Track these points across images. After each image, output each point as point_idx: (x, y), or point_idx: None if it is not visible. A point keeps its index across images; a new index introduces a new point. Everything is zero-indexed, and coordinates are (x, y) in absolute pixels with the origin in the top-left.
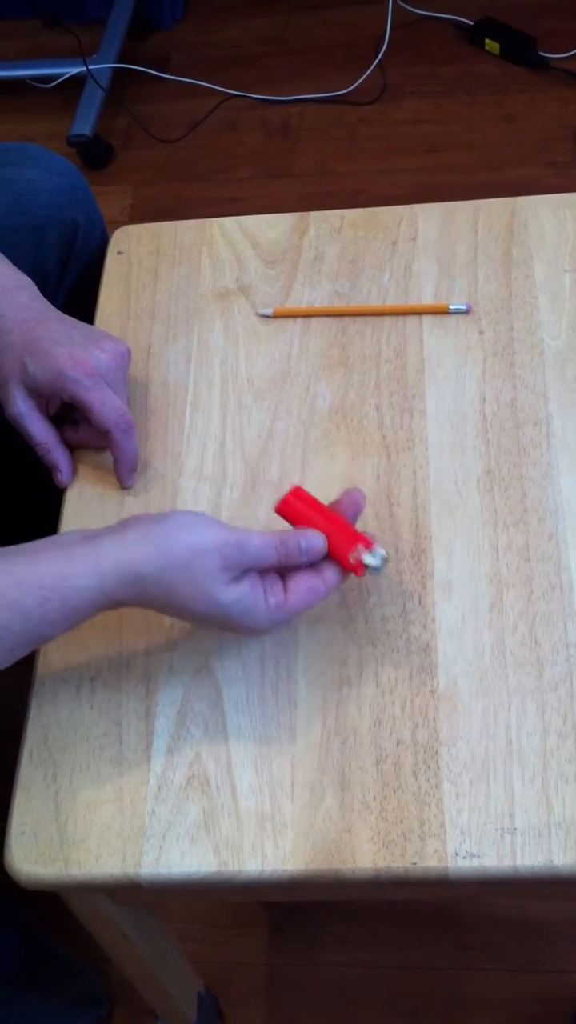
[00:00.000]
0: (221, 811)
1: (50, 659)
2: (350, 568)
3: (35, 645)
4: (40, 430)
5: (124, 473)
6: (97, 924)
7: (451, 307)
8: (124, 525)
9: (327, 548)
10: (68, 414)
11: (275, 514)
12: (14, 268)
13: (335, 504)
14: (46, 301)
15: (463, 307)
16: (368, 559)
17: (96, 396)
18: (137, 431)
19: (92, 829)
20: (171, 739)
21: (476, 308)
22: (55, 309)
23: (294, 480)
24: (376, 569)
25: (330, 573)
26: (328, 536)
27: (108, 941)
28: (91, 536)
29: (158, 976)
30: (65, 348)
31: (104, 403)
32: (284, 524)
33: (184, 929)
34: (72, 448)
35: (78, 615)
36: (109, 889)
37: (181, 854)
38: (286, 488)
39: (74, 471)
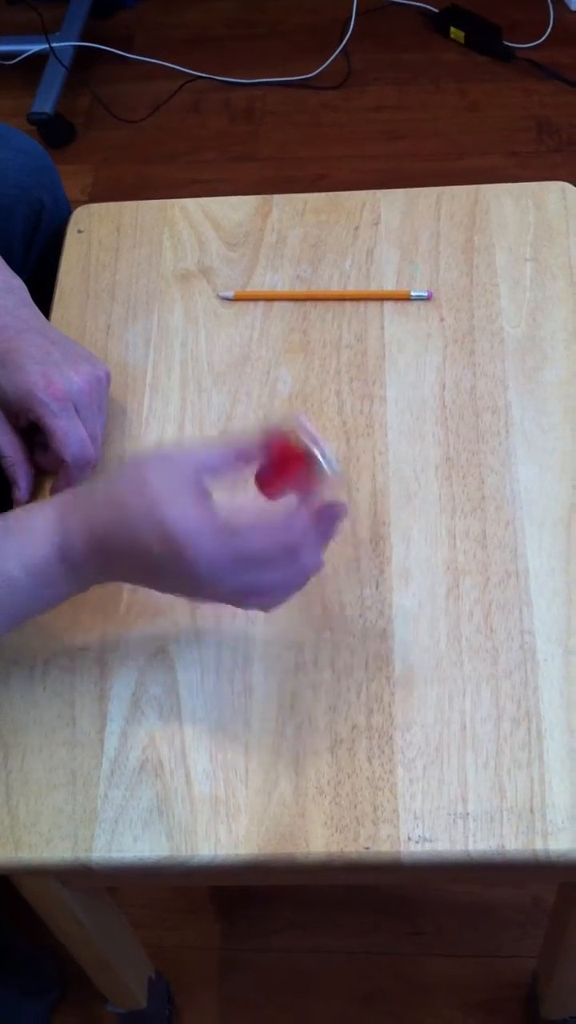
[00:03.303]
0: (175, 795)
1: (3, 640)
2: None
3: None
4: (6, 443)
5: (60, 489)
6: (48, 908)
7: (412, 294)
8: None
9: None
10: (40, 435)
11: (235, 499)
12: (6, 268)
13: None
14: (34, 308)
15: (424, 294)
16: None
17: (61, 424)
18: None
19: (44, 812)
20: (125, 723)
21: (437, 295)
22: (41, 318)
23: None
24: (329, 466)
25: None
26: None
27: (59, 926)
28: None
29: (109, 960)
30: (39, 367)
31: (68, 433)
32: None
33: (136, 913)
34: (40, 471)
35: (41, 569)
36: (60, 873)
37: (134, 838)
38: (244, 473)
39: (35, 489)
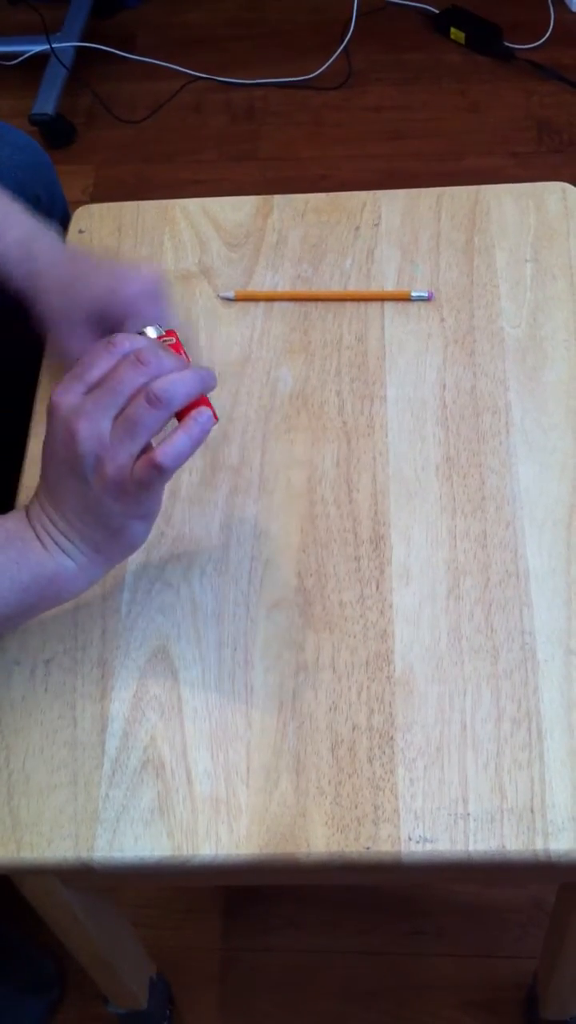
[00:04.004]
0: (176, 795)
1: (4, 641)
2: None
3: None
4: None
5: None
6: (49, 908)
7: (413, 294)
8: None
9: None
10: None
11: (235, 498)
12: (36, 215)
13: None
14: (66, 243)
15: (425, 294)
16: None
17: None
18: None
19: (45, 813)
20: (126, 723)
21: (438, 295)
22: (76, 246)
23: (253, 465)
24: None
25: None
26: None
27: (60, 925)
28: None
29: (110, 960)
30: (103, 274)
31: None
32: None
33: (137, 913)
34: None
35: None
36: (62, 873)
37: (135, 838)
38: (245, 473)
39: None
